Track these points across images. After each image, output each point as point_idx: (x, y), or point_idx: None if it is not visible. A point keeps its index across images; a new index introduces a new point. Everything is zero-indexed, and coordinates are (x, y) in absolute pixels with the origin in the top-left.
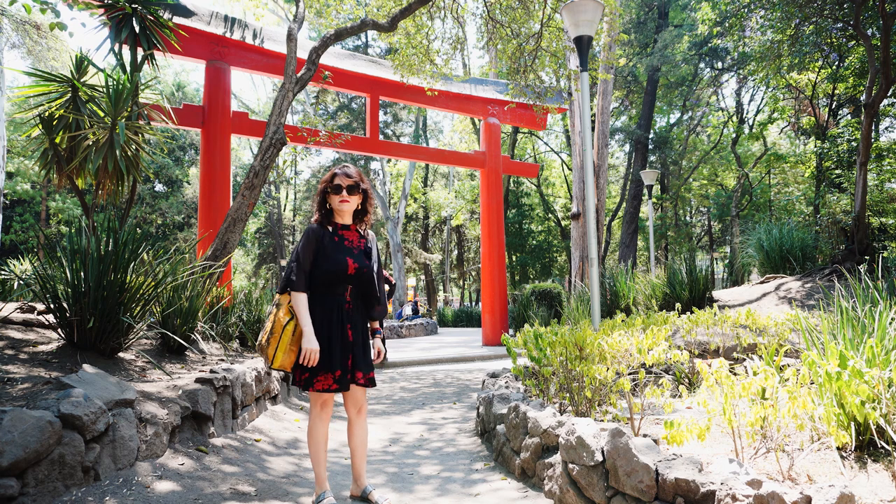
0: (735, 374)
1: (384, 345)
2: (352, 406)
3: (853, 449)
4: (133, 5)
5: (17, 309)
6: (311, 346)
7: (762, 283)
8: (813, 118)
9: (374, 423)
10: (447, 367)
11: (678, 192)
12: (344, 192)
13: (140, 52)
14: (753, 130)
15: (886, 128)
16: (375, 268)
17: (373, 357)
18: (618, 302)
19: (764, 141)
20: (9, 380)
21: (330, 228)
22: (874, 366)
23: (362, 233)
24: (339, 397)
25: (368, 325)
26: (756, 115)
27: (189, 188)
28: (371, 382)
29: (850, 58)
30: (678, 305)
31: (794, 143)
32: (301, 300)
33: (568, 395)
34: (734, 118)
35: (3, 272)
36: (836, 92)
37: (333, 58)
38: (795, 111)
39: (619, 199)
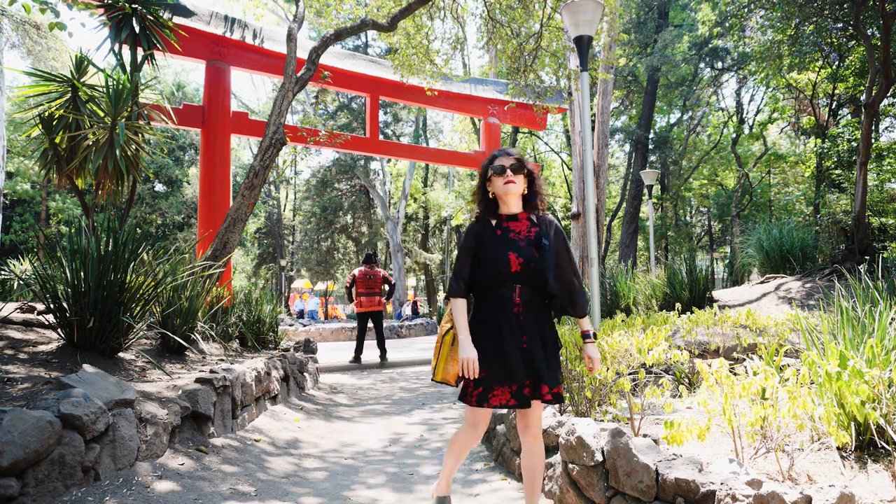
0: (735, 374)
1: (593, 349)
2: (521, 423)
3: (853, 449)
4: (133, 5)
5: (17, 309)
6: (466, 354)
7: (762, 283)
8: (813, 118)
9: (373, 424)
10: None
11: (678, 192)
12: (508, 173)
13: (140, 52)
14: (753, 130)
15: (886, 128)
16: (552, 258)
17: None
18: (618, 302)
19: (764, 141)
20: (9, 380)
21: (494, 222)
22: (874, 366)
23: (535, 220)
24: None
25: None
26: (756, 115)
27: (189, 188)
28: (557, 398)
29: (850, 58)
30: (678, 305)
31: (794, 143)
32: (458, 306)
33: (568, 395)
34: (734, 118)
35: (3, 272)
36: (836, 92)
37: (333, 58)
38: (795, 111)
39: (619, 199)
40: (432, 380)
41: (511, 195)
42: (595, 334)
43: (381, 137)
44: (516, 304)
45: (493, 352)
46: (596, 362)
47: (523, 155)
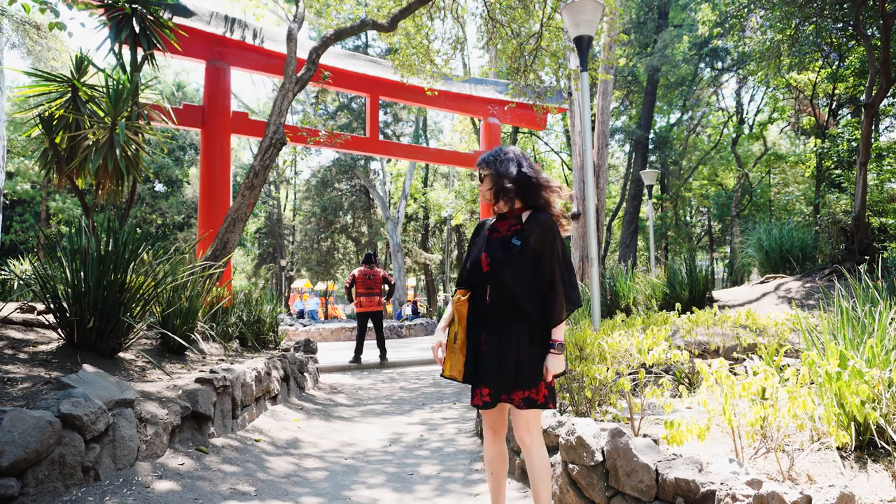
0: (735, 374)
1: (553, 360)
2: (514, 428)
3: (853, 449)
4: (133, 5)
5: (17, 309)
6: (434, 340)
7: (762, 283)
8: (813, 118)
9: (373, 423)
10: None
11: (678, 192)
12: (479, 183)
13: (140, 52)
14: (753, 130)
15: (886, 128)
16: (518, 259)
17: (544, 375)
18: (618, 302)
19: (764, 141)
20: (9, 380)
21: (492, 221)
22: (874, 366)
23: (523, 219)
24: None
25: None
26: (756, 115)
27: (189, 188)
28: (528, 403)
29: (850, 58)
30: (678, 305)
31: (794, 143)
32: (455, 296)
33: (568, 395)
34: (734, 118)
35: (3, 272)
36: (836, 92)
37: (333, 58)
38: (795, 111)
39: (619, 199)
40: (441, 375)
41: (485, 202)
42: (561, 345)
43: (381, 137)
44: (486, 305)
45: (470, 352)
46: (549, 374)
47: (494, 157)
